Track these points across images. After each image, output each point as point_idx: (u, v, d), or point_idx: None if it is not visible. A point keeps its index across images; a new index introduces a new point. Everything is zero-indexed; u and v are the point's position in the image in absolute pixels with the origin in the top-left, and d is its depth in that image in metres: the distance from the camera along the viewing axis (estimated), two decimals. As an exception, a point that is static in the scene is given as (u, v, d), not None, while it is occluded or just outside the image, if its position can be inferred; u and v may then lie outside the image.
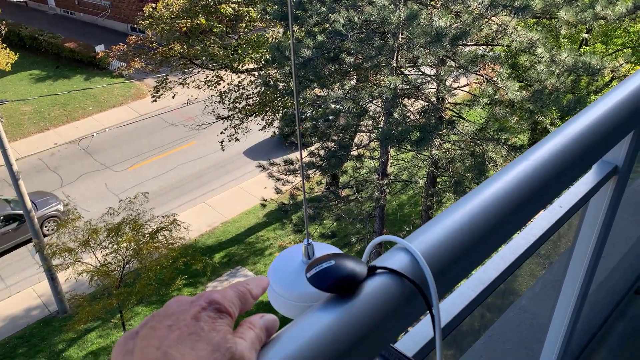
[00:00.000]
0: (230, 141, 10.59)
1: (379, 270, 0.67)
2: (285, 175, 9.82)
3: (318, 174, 9.67)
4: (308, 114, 8.57)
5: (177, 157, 13.66)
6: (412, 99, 8.51)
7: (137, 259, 8.75)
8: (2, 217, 10.75)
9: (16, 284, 10.34)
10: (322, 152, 9.07)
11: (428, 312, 0.70)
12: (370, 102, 7.98)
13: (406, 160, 9.36)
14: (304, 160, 9.32)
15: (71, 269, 8.80)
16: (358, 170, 9.34)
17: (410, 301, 0.67)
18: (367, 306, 0.64)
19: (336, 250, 0.65)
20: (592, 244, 1.34)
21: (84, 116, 15.85)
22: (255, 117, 10.08)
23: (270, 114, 9.80)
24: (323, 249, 0.68)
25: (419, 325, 0.89)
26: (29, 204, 9.79)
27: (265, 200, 10.24)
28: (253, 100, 10.25)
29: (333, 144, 8.69)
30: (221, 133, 10.78)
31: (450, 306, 0.93)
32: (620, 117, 1.03)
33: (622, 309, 2.21)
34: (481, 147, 7.79)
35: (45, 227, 11.06)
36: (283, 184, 10.00)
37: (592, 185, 1.22)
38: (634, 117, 1.09)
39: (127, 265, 8.82)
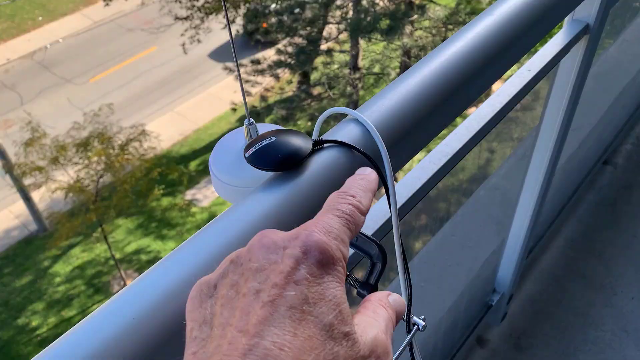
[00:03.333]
0: (191, 43, 10.10)
1: (326, 145, 0.61)
2: (254, 76, 9.52)
3: (288, 72, 9.38)
4: (272, 7, 8.12)
5: (139, 64, 13.07)
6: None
7: (110, 172, 8.65)
8: None
9: (-9, 207, 10.23)
10: (290, 49, 8.74)
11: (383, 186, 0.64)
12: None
13: (377, 52, 9.07)
14: (272, 59, 9.01)
15: (44, 187, 8.69)
16: (329, 66, 9.07)
17: (362, 175, 0.60)
18: (313, 182, 0.58)
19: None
20: (561, 111, 1.28)
21: (34, 27, 14.87)
22: (215, 14, 9.54)
23: (231, 10, 9.28)
24: (268, 128, 0.59)
25: (379, 203, 0.84)
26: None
27: (236, 105, 10.02)
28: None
29: (301, 39, 8.34)
30: (181, 35, 10.25)
31: (412, 180, 0.87)
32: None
33: (591, 179, 2.23)
34: (453, 32, 7.56)
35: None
36: (252, 86, 9.73)
37: (562, 46, 1.14)
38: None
39: (101, 180, 8.73)
